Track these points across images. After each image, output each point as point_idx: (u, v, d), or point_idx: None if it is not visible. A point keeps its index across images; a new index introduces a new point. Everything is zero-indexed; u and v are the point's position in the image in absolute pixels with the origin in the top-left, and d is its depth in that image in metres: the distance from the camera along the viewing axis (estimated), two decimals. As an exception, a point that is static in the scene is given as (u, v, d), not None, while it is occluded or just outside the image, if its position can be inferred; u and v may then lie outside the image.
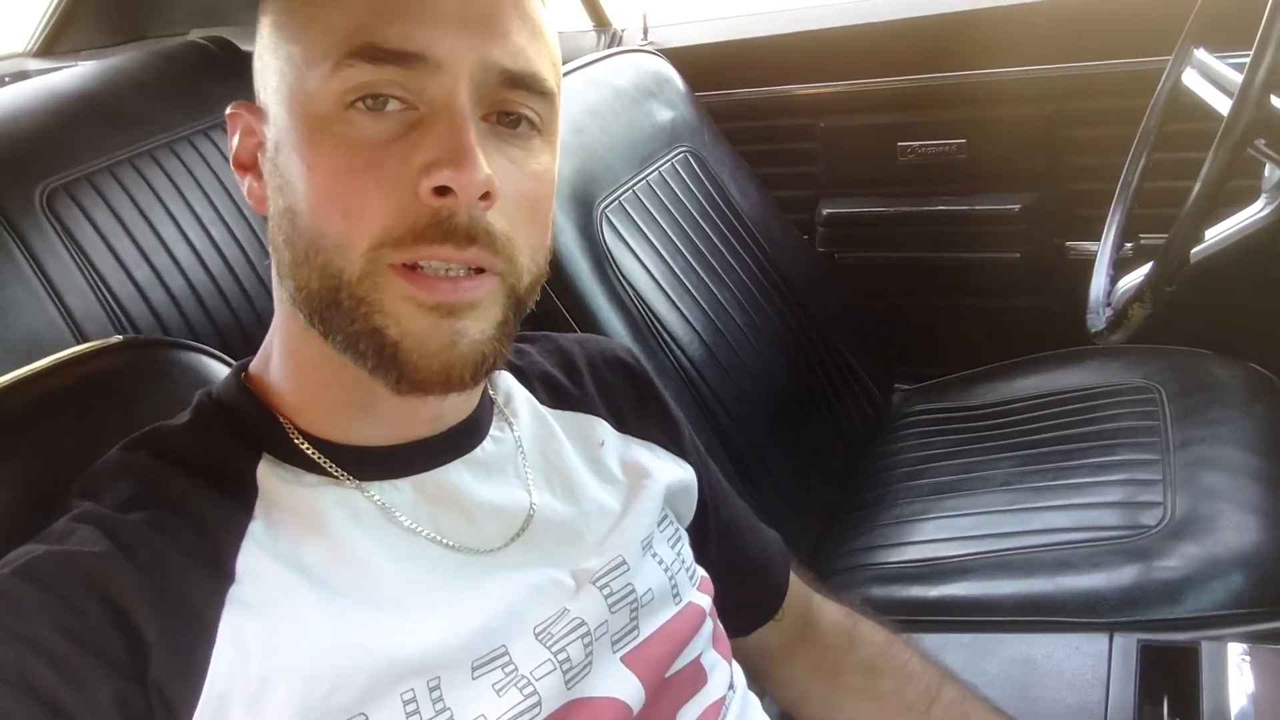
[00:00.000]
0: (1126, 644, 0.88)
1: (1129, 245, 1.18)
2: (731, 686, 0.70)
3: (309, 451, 0.57)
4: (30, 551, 0.51)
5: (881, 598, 1.12)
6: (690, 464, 0.75)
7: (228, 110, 0.58)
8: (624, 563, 0.64)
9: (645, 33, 1.78)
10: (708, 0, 1.99)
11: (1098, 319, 1.09)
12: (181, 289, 1.33)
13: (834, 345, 1.46)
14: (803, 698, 0.81)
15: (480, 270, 0.52)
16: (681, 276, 1.29)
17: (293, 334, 0.57)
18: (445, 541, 0.58)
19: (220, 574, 0.52)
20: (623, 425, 0.72)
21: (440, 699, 0.53)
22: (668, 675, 0.64)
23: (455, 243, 0.50)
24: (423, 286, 0.51)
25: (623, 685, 0.60)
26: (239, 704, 0.49)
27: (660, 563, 0.67)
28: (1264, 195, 1.04)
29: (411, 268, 0.51)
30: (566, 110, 0.61)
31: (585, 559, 0.63)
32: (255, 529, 0.54)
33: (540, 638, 0.58)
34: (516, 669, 0.57)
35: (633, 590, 0.63)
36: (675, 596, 0.67)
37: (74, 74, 1.48)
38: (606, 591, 0.62)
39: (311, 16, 0.52)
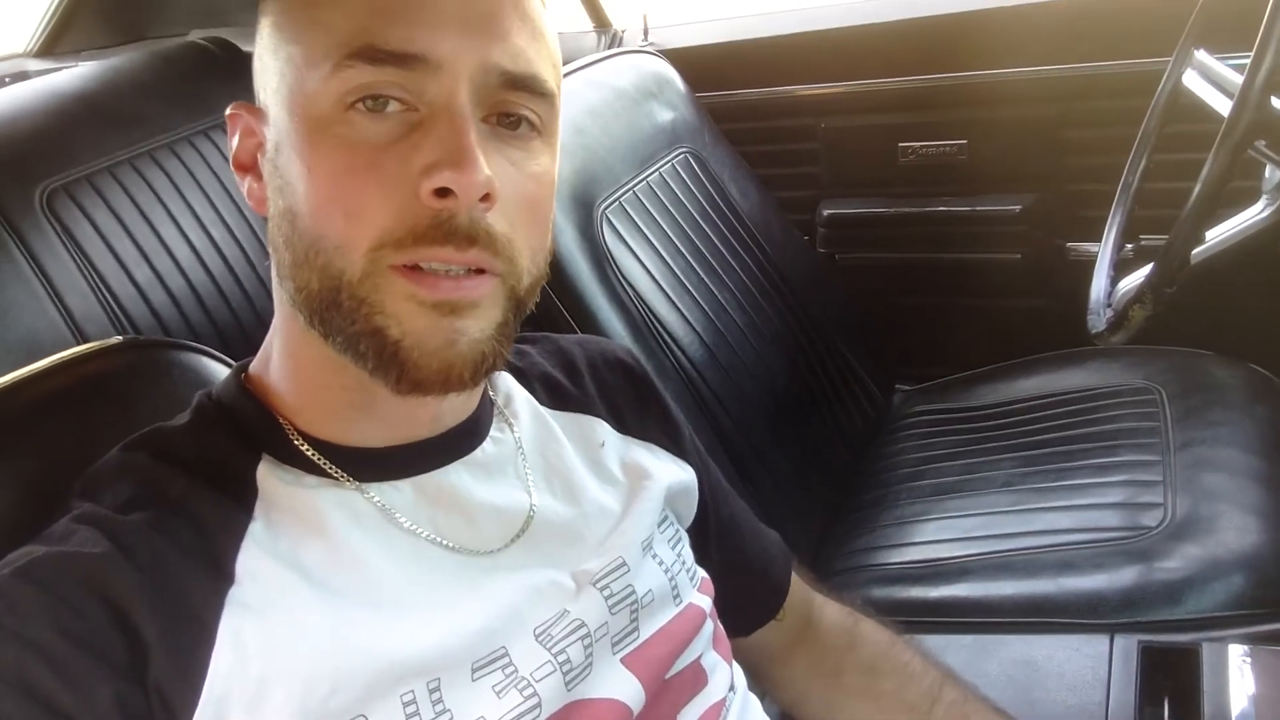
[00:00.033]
0: (1127, 645, 0.88)
1: (1130, 246, 1.18)
2: (732, 688, 0.70)
3: (309, 453, 0.57)
4: (30, 552, 0.51)
5: (882, 598, 1.12)
6: (690, 465, 0.75)
7: (228, 111, 0.58)
8: (624, 564, 0.64)
9: (646, 33, 1.78)
10: (708, 1, 1.99)
11: (1098, 320, 1.09)
12: (182, 289, 1.33)
13: (835, 346, 1.46)
14: (803, 698, 0.81)
15: (481, 271, 0.52)
16: (682, 277, 1.29)
17: (293, 335, 0.57)
18: (445, 543, 0.58)
19: (220, 575, 0.52)
20: (623, 426, 0.72)
21: (440, 700, 0.53)
22: (668, 676, 0.64)
23: (456, 244, 0.50)
24: (424, 284, 0.51)
25: (623, 686, 0.60)
26: (238, 705, 0.49)
27: (660, 564, 0.67)
28: (1264, 196, 1.04)
29: (412, 268, 0.51)
30: (567, 111, 0.61)
31: (585, 560, 0.63)
32: (255, 530, 0.54)
33: (540, 639, 0.58)
34: (516, 670, 0.57)
35: (633, 591, 0.63)
36: (675, 598, 0.67)
37: (74, 74, 1.48)
38: (607, 593, 0.62)
39: (312, 18, 0.52)
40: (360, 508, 0.57)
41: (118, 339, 0.69)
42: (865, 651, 0.80)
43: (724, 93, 1.69)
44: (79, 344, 0.69)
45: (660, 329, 1.22)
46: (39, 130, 1.34)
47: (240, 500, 0.55)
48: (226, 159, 0.96)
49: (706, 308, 1.29)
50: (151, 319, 1.29)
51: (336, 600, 0.53)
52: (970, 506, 1.23)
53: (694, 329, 1.26)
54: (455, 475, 0.60)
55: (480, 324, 0.52)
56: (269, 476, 0.56)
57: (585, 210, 1.21)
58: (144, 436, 0.58)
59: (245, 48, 1.58)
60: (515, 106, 0.53)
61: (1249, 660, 0.78)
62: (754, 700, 0.73)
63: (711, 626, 0.70)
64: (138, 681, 0.48)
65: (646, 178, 1.33)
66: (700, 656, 0.68)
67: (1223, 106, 1.00)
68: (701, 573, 0.71)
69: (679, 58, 1.55)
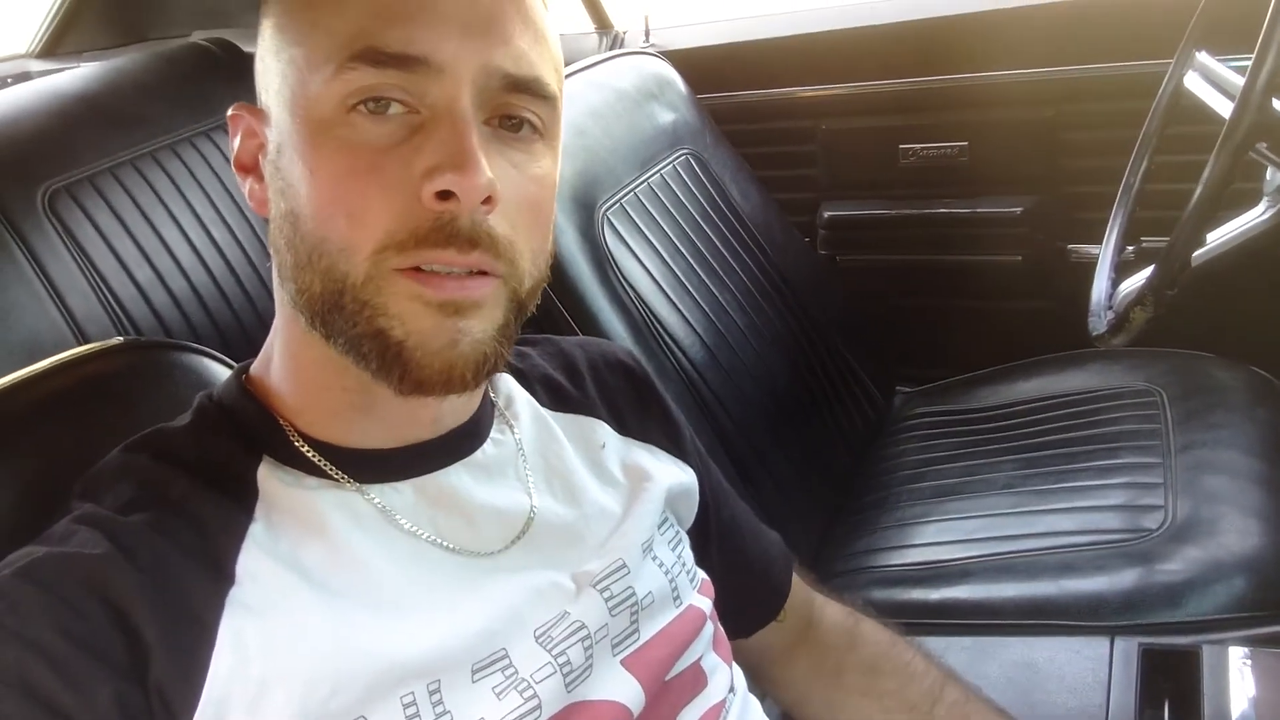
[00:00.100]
0: (1128, 647, 0.88)
1: (1130, 248, 1.18)
2: (732, 689, 0.70)
3: (309, 454, 0.57)
4: (31, 553, 0.51)
5: (883, 600, 1.12)
6: (691, 466, 0.75)
7: (229, 112, 0.58)
8: (624, 565, 0.64)
9: (647, 35, 1.78)
10: (709, 2, 1.99)
11: (1099, 322, 1.09)
12: (183, 290, 1.33)
13: (835, 348, 1.46)
14: (804, 698, 0.81)
15: (482, 273, 0.52)
16: (683, 279, 1.29)
17: (294, 336, 0.58)
18: (445, 544, 0.58)
19: (220, 576, 0.52)
20: (624, 428, 0.72)
21: (440, 702, 0.53)
22: (668, 678, 0.64)
23: (458, 247, 0.50)
24: (429, 284, 0.51)
25: (623, 688, 0.60)
26: (239, 706, 0.49)
27: (660, 565, 0.67)
28: (1265, 199, 1.04)
29: (414, 269, 0.51)
30: (568, 112, 0.61)
31: (586, 562, 0.63)
32: (256, 531, 0.54)
33: (540, 641, 0.58)
34: (516, 672, 0.57)
35: (633, 593, 0.63)
36: (675, 599, 0.67)
37: (76, 75, 1.48)
38: (607, 594, 0.62)
39: (313, 20, 0.52)
40: (360, 509, 0.57)
41: (119, 340, 0.69)
42: (866, 651, 0.80)
43: (725, 94, 1.69)
44: (80, 345, 0.69)
45: (661, 330, 1.22)
46: (41, 131, 1.34)
47: (241, 501, 0.55)
48: (228, 160, 0.96)
49: (707, 309, 1.29)
50: (153, 320, 1.29)
51: (337, 601, 0.53)
52: (971, 508, 1.23)
53: (695, 330, 1.26)
54: (456, 477, 0.60)
55: (482, 325, 0.53)
56: (269, 478, 0.56)
57: (586, 211, 1.22)
58: (145, 438, 0.58)
59: (247, 49, 1.58)
60: (517, 109, 0.54)
61: (1249, 663, 0.78)
62: (754, 702, 0.73)
63: (711, 628, 0.70)
64: (138, 682, 0.48)
65: (647, 179, 1.33)
66: (700, 658, 0.68)
67: (1224, 108, 1.00)
68: (702, 574, 0.71)
69: (680, 59, 1.55)
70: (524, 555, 0.61)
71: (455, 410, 0.60)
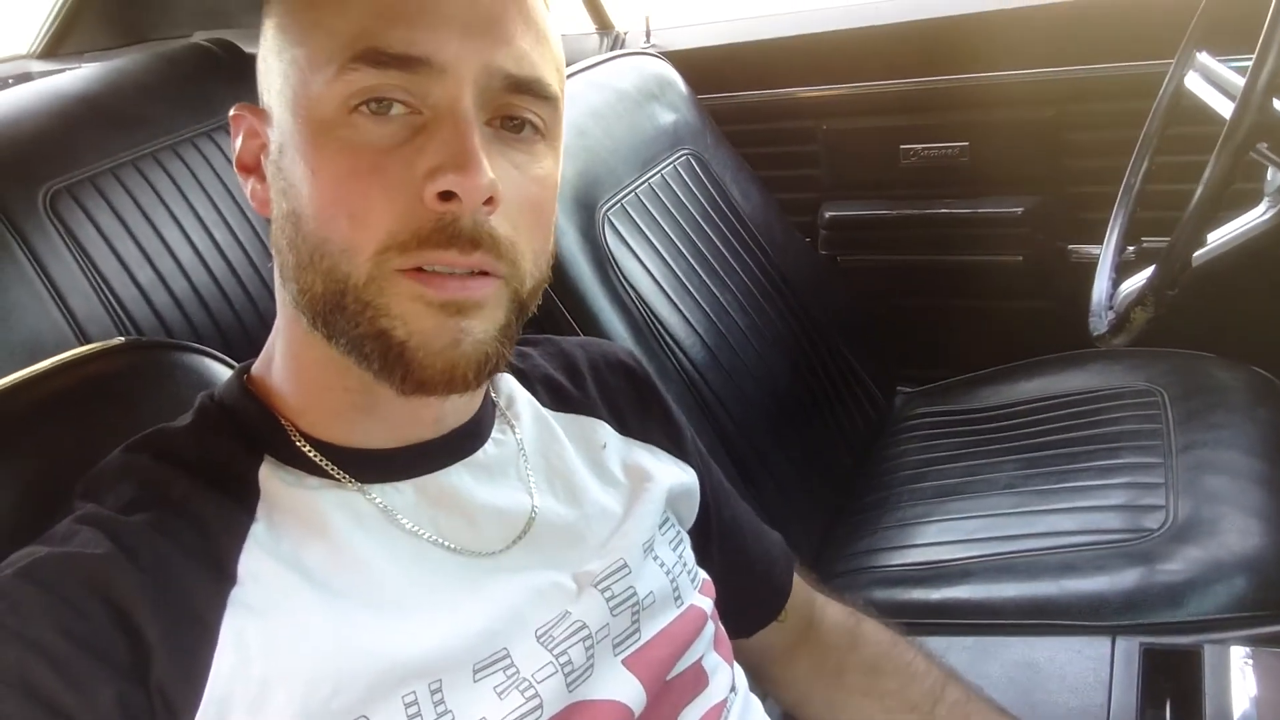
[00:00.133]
0: (1129, 647, 0.88)
1: (1131, 248, 1.18)
2: (733, 689, 0.70)
3: (311, 454, 0.57)
4: (33, 553, 0.51)
5: (884, 600, 1.12)
6: (692, 466, 0.75)
7: (231, 112, 0.58)
8: (625, 565, 0.64)
9: (648, 35, 1.78)
10: (710, 3, 1.99)
11: (1100, 322, 1.09)
12: (184, 291, 1.33)
13: (836, 348, 1.46)
14: (806, 698, 0.81)
15: (484, 273, 0.52)
16: (683, 279, 1.29)
17: (295, 337, 0.58)
18: (447, 544, 0.58)
19: (222, 576, 0.52)
20: (625, 428, 0.72)
21: (442, 701, 0.53)
22: (669, 678, 0.64)
23: (460, 247, 0.51)
24: (432, 285, 0.51)
25: (624, 688, 0.60)
26: (240, 706, 0.49)
27: (661, 565, 0.67)
28: (1266, 199, 1.04)
29: (416, 270, 0.51)
30: (569, 113, 0.61)
31: (587, 562, 0.63)
32: (257, 531, 0.54)
33: (542, 640, 0.58)
34: (518, 671, 0.57)
35: (634, 593, 0.63)
36: (677, 599, 0.67)
37: (77, 76, 1.49)
38: (608, 594, 0.62)
39: (315, 20, 0.52)
40: (362, 509, 0.57)
41: (120, 340, 0.69)
42: (867, 651, 0.80)
43: (726, 95, 1.69)
44: (81, 345, 0.69)
45: (662, 331, 1.22)
46: (42, 131, 1.34)
47: (242, 501, 0.55)
48: (229, 160, 0.96)
49: (708, 309, 1.29)
50: (154, 320, 1.29)
51: (338, 601, 0.53)
52: (972, 508, 1.23)
53: (696, 331, 1.26)
54: (457, 476, 0.60)
55: (484, 325, 0.53)
56: (271, 478, 0.56)
57: (587, 212, 1.22)
58: (146, 438, 0.58)
59: (248, 49, 1.58)
60: (519, 110, 0.54)
61: (1251, 662, 0.78)
62: (755, 701, 0.73)
63: (713, 628, 0.70)
64: (140, 682, 0.48)
65: (648, 179, 1.33)
66: (701, 658, 0.68)
67: (1225, 109, 1.00)
68: (703, 574, 0.71)
69: (681, 59, 1.55)
70: (525, 555, 0.61)
71: (457, 410, 0.61)
